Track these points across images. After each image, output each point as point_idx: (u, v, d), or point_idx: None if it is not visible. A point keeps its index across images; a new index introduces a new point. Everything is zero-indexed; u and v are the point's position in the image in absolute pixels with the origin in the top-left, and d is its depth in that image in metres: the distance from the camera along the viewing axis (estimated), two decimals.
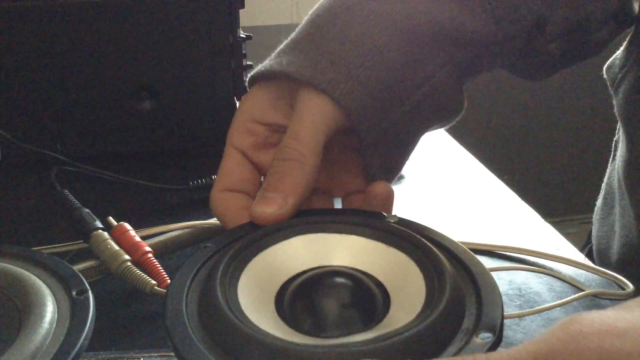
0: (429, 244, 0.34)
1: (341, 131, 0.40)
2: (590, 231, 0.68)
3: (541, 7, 0.43)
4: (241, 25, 0.68)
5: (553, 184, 2.09)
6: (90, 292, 0.33)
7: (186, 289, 0.31)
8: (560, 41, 0.46)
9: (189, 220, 0.52)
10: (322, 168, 0.40)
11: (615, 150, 0.63)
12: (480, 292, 0.31)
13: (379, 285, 0.33)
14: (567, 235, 0.56)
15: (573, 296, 0.45)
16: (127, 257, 0.45)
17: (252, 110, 0.42)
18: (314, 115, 0.39)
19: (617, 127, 0.61)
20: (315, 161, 0.38)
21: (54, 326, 0.31)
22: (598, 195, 0.67)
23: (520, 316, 0.44)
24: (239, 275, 0.33)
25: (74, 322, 0.31)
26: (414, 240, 0.34)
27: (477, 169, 0.69)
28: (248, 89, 0.43)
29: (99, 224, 0.48)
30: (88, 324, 0.31)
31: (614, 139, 0.63)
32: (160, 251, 0.48)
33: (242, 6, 0.66)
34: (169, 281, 0.44)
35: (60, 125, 0.66)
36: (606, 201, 0.64)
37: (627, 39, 0.56)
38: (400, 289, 0.33)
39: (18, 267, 0.35)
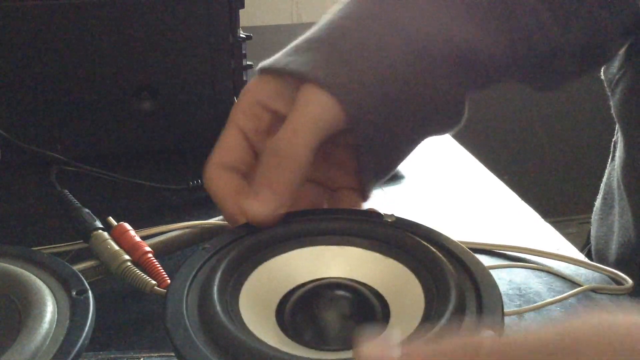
0: (427, 250, 0.34)
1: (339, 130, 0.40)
2: (590, 231, 0.68)
3: (557, 34, 0.43)
4: (241, 25, 0.68)
5: (553, 184, 2.09)
6: (90, 292, 0.33)
7: (186, 290, 0.31)
8: (576, 61, 0.46)
9: (189, 220, 0.52)
10: (316, 160, 0.40)
11: (614, 150, 0.63)
12: (481, 291, 0.31)
13: (378, 296, 0.34)
14: (566, 235, 0.56)
15: (571, 291, 0.45)
16: (127, 257, 0.45)
17: (259, 94, 0.42)
18: (317, 111, 0.38)
19: (616, 128, 0.62)
20: (310, 159, 0.38)
21: (54, 326, 0.31)
22: (597, 195, 0.67)
23: (518, 313, 0.44)
24: (240, 287, 0.33)
25: (74, 322, 0.31)
26: (412, 249, 0.34)
27: (477, 169, 0.69)
28: (257, 75, 0.43)
29: (98, 224, 0.48)
30: (88, 324, 0.31)
31: (613, 139, 0.63)
32: (160, 251, 0.48)
33: (242, 6, 0.66)
34: (169, 281, 0.44)
35: (60, 125, 0.66)
36: (605, 201, 0.64)
37: None
38: (398, 300, 0.33)
39: (18, 267, 0.35)
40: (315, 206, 0.43)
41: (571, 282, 0.48)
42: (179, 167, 0.69)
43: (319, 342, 0.31)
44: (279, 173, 0.38)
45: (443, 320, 0.28)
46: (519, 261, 0.51)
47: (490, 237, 0.54)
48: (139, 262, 0.45)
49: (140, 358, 0.40)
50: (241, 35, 0.67)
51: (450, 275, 0.31)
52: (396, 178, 0.64)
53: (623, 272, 0.48)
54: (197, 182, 0.61)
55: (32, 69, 0.64)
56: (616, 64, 0.57)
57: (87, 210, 0.49)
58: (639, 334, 0.21)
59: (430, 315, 0.30)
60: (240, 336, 0.28)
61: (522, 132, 2.02)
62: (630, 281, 0.47)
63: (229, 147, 0.42)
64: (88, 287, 0.33)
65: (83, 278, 0.34)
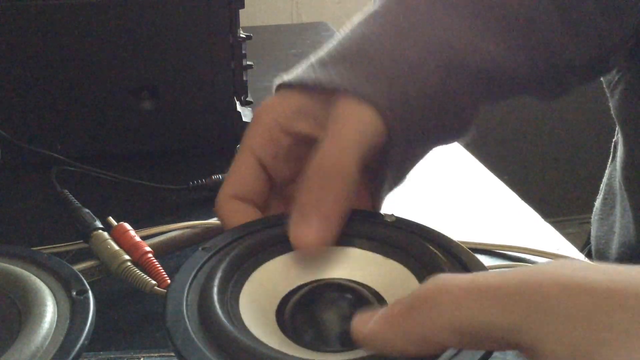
0: (427, 251, 0.34)
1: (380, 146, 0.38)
2: (590, 231, 0.68)
3: (571, 48, 0.43)
4: (241, 25, 0.68)
5: (553, 184, 2.09)
6: (90, 292, 0.33)
7: (186, 290, 0.31)
8: (584, 73, 0.46)
9: (189, 220, 0.52)
10: None
11: (615, 151, 0.63)
12: None
13: (378, 297, 0.34)
14: (567, 235, 0.56)
15: None
16: (127, 257, 0.45)
17: (279, 115, 0.39)
18: (362, 126, 0.36)
19: (616, 128, 0.62)
20: (358, 177, 0.35)
21: (54, 326, 0.31)
22: (597, 195, 0.67)
23: None
24: (241, 288, 0.33)
25: (74, 322, 0.31)
26: (412, 250, 0.35)
27: (477, 169, 0.69)
28: (274, 93, 0.40)
29: (99, 224, 0.48)
30: (88, 324, 0.31)
31: (613, 139, 0.63)
32: (160, 251, 0.48)
33: (242, 6, 0.66)
34: (168, 281, 0.44)
35: (60, 125, 0.66)
36: (606, 202, 0.64)
37: None
38: None
39: (18, 267, 0.35)
40: None
41: None
42: (179, 167, 0.69)
43: (319, 343, 0.31)
44: (329, 194, 0.34)
45: None
46: (519, 261, 0.51)
47: (490, 237, 0.54)
48: (139, 262, 0.45)
49: (140, 358, 0.40)
50: (241, 35, 0.67)
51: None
52: None
53: None
54: (197, 182, 0.61)
55: (32, 69, 0.64)
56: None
57: (87, 210, 0.49)
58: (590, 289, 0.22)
59: None
60: (240, 337, 0.28)
61: (522, 132, 2.02)
62: None
63: (243, 176, 0.39)
64: (88, 287, 0.33)
65: (83, 278, 0.34)
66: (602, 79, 0.59)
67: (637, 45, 0.47)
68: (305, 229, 0.34)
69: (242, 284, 0.33)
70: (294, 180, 0.40)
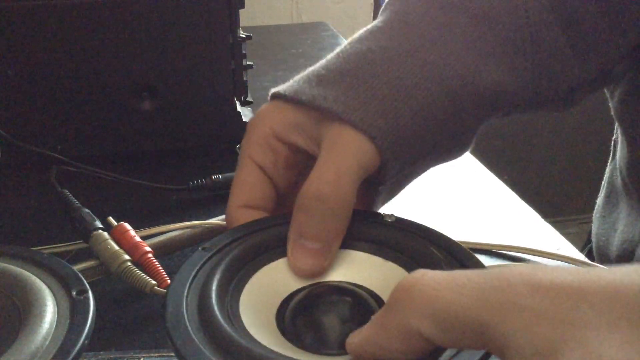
0: (427, 251, 0.34)
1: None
2: (591, 230, 0.68)
3: (576, 69, 0.43)
4: (241, 25, 0.68)
5: (553, 184, 2.09)
6: (90, 292, 0.33)
7: (186, 290, 0.31)
8: (588, 88, 0.45)
9: (189, 220, 0.52)
10: None
11: (615, 150, 0.63)
12: None
13: (378, 299, 0.34)
14: (567, 235, 0.56)
15: None
16: (127, 257, 0.45)
17: (275, 125, 0.39)
18: (358, 154, 0.36)
19: (615, 127, 0.62)
20: (353, 203, 0.36)
21: (54, 326, 0.31)
22: (598, 194, 0.67)
23: None
24: (241, 289, 0.33)
25: (74, 322, 0.31)
26: (411, 250, 0.35)
27: (477, 169, 0.69)
28: (269, 101, 0.41)
29: (98, 224, 0.48)
30: (88, 324, 0.31)
31: (613, 138, 0.63)
32: (160, 251, 0.48)
33: (242, 6, 0.66)
34: (169, 281, 0.44)
35: (60, 125, 0.66)
36: (609, 200, 0.64)
37: None
38: None
39: (18, 267, 0.35)
40: None
41: None
42: (179, 167, 0.69)
43: (319, 345, 0.31)
44: (328, 221, 0.35)
45: None
46: (519, 261, 0.51)
47: (490, 237, 0.54)
48: (139, 262, 0.45)
49: (140, 358, 0.40)
50: (241, 35, 0.67)
51: None
52: None
53: None
54: (197, 182, 0.61)
55: (32, 69, 0.64)
56: None
57: (87, 210, 0.49)
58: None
59: None
60: (239, 338, 0.28)
61: (522, 132, 2.02)
62: None
63: (248, 185, 0.39)
64: (88, 287, 0.33)
65: (83, 278, 0.34)
66: None
67: (637, 47, 0.47)
68: (307, 258, 0.35)
69: (243, 286, 0.33)
70: (296, 188, 0.41)
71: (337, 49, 0.41)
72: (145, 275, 0.43)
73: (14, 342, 0.30)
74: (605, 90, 0.58)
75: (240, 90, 0.69)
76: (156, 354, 0.41)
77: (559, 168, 2.09)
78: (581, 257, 0.51)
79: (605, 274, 0.23)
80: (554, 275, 0.23)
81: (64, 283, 0.34)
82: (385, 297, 0.34)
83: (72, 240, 0.49)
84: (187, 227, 0.51)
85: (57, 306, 0.32)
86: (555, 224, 0.59)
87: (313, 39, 1.22)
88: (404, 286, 0.26)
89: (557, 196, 2.09)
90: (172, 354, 0.40)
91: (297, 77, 0.40)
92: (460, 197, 0.64)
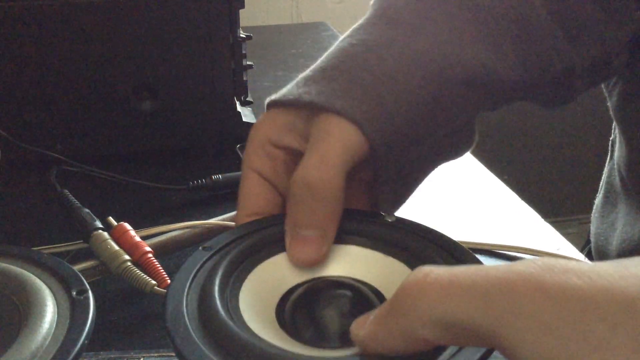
0: (427, 251, 0.34)
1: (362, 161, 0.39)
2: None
3: (571, 51, 0.43)
4: (241, 25, 0.68)
5: (553, 184, 2.09)
6: (90, 292, 0.33)
7: (186, 289, 0.31)
8: (586, 78, 0.45)
9: (189, 220, 0.52)
10: None
11: (612, 149, 0.63)
12: None
13: (378, 294, 0.34)
14: (567, 235, 0.56)
15: None
16: (127, 257, 0.45)
17: (269, 131, 0.40)
18: (342, 139, 0.36)
19: (613, 127, 0.62)
20: (343, 186, 0.36)
21: (54, 326, 0.31)
22: (597, 194, 0.67)
23: None
24: (241, 286, 0.33)
25: (74, 322, 0.31)
26: (412, 249, 0.35)
27: (477, 169, 0.69)
28: (266, 110, 0.41)
29: (99, 224, 0.48)
30: (88, 324, 0.31)
31: (610, 138, 0.63)
32: (160, 251, 0.48)
33: (242, 6, 0.66)
34: (169, 281, 0.44)
35: (60, 125, 0.66)
36: (607, 199, 0.64)
37: None
38: None
39: (18, 267, 0.35)
40: None
41: None
42: (179, 167, 0.69)
43: (319, 340, 0.31)
44: (318, 207, 0.35)
45: None
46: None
47: (490, 237, 0.54)
48: (139, 262, 0.45)
49: (140, 358, 0.40)
50: (241, 35, 0.67)
51: None
52: None
53: None
54: (197, 182, 0.61)
55: (32, 69, 0.64)
56: None
57: (87, 210, 0.49)
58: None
59: None
60: (241, 334, 0.28)
61: (522, 132, 2.02)
62: None
63: (252, 194, 0.40)
64: (88, 287, 0.33)
65: (83, 278, 0.34)
66: None
67: (635, 46, 0.47)
68: (304, 247, 0.35)
69: (242, 282, 0.33)
70: None
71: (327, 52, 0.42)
72: (145, 276, 0.43)
73: (14, 342, 0.30)
74: (604, 90, 0.58)
75: (240, 90, 0.69)
76: (156, 354, 0.41)
77: (559, 168, 2.09)
78: (581, 257, 0.51)
79: (618, 282, 0.22)
80: (564, 279, 0.22)
81: (64, 283, 0.34)
82: (385, 291, 0.34)
83: (72, 240, 0.49)
84: (187, 227, 0.51)
85: (57, 306, 0.32)
86: (555, 224, 0.59)
87: (313, 39, 1.22)
88: (408, 287, 0.25)
89: (557, 196, 2.09)
90: (172, 354, 0.40)
91: (289, 84, 0.41)
92: (460, 197, 0.64)
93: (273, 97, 0.40)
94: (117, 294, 0.47)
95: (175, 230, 0.50)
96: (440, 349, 0.27)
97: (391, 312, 0.26)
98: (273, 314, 0.33)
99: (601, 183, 0.66)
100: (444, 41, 0.40)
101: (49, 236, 0.52)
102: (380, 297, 0.33)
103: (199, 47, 0.65)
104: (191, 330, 0.29)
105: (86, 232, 0.47)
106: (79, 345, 0.30)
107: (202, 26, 0.65)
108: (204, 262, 0.34)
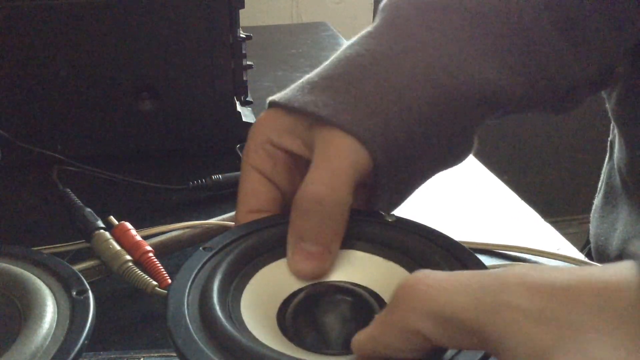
0: (428, 251, 0.34)
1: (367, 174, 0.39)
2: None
3: (574, 66, 0.43)
4: (241, 25, 0.68)
5: (553, 184, 2.09)
6: (90, 292, 0.33)
7: (187, 290, 0.31)
8: (590, 87, 0.45)
9: (189, 220, 0.52)
10: None
11: (612, 149, 0.63)
12: None
13: (379, 299, 0.34)
14: (567, 235, 0.56)
15: None
16: (128, 257, 0.45)
17: (269, 133, 0.40)
18: (351, 156, 0.37)
19: (611, 127, 0.62)
20: (350, 205, 0.36)
21: (54, 326, 0.31)
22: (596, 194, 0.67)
23: None
24: (243, 289, 0.33)
25: (74, 322, 0.31)
26: (412, 250, 0.35)
27: (477, 169, 0.69)
28: (267, 108, 0.41)
29: (100, 223, 0.48)
30: (88, 324, 0.31)
31: (609, 138, 0.63)
32: (161, 251, 0.48)
33: (242, 6, 0.66)
34: (169, 281, 0.44)
35: (60, 125, 0.66)
36: (608, 200, 0.64)
37: None
38: None
39: (18, 267, 0.35)
40: None
41: None
42: (179, 167, 0.69)
43: (320, 345, 0.31)
44: (326, 223, 0.35)
45: None
46: (519, 261, 0.51)
47: (490, 237, 0.54)
48: (140, 261, 0.45)
49: (140, 358, 0.40)
50: (241, 35, 0.67)
51: None
52: None
53: None
54: (197, 182, 0.61)
55: (33, 69, 0.64)
56: None
57: (89, 209, 0.49)
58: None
59: None
60: (241, 337, 0.28)
61: (522, 132, 2.02)
62: None
63: (252, 191, 0.40)
64: (88, 287, 0.33)
65: (83, 278, 0.34)
66: None
67: (635, 50, 0.47)
68: (307, 261, 0.35)
69: (244, 286, 0.33)
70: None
71: (333, 56, 0.42)
72: (146, 276, 0.43)
73: (14, 342, 0.30)
74: (603, 92, 0.58)
75: (240, 90, 0.69)
76: (156, 354, 0.41)
77: (559, 168, 2.09)
78: (581, 257, 0.51)
79: (599, 273, 0.23)
80: (548, 274, 0.24)
81: (64, 283, 0.34)
82: (385, 296, 0.34)
83: (72, 240, 0.49)
84: (187, 227, 0.51)
85: (57, 306, 0.32)
86: (555, 224, 0.59)
87: (313, 39, 1.22)
88: (406, 286, 0.26)
89: (557, 196, 2.09)
90: (172, 354, 0.40)
91: (293, 85, 0.41)
92: (460, 197, 0.64)
93: (276, 98, 0.40)
94: (117, 294, 0.47)
95: (175, 230, 0.51)
96: (438, 354, 0.27)
97: (389, 311, 0.27)
98: (274, 319, 0.33)
99: (600, 183, 0.66)
100: (451, 56, 0.39)
101: (49, 236, 0.52)
102: (381, 302, 0.33)
103: (199, 47, 0.65)
104: (192, 331, 0.29)
105: (88, 232, 0.47)
106: (79, 345, 0.30)
107: (202, 26, 0.65)
108: (205, 263, 0.34)
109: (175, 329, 0.29)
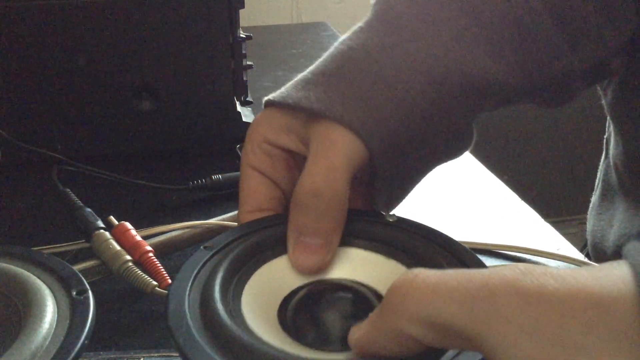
0: (429, 251, 0.34)
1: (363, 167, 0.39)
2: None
3: (569, 57, 0.43)
4: (241, 25, 0.68)
5: (553, 184, 2.09)
6: (90, 292, 0.33)
7: (188, 289, 0.31)
8: (585, 79, 0.45)
9: (189, 220, 0.52)
10: None
11: (607, 147, 0.63)
12: None
13: (380, 297, 0.34)
14: (567, 235, 0.56)
15: None
16: (128, 257, 0.45)
17: (266, 131, 0.40)
18: (346, 148, 0.37)
19: (607, 125, 0.62)
20: (347, 197, 0.36)
21: (54, 326, 0.31)
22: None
23: None
24: (243, 287, 0.33)
25: (74, 322, 0.31)
26: (413, 250, 0.35)
27: (477, 169, 0.69)
28: (264, 108, 0.41)
29: (100, 223, 0.48)
30: (88, 324, 0.31)
31: (605, 136, 0.63)
32: (161, 251, 0.48)
33: (242, 6, 0.66)
34: (169, 280, 0.44)
35: (60, 125, 0.66)
36: (605, 197, 0.64)
37: None
38: None
39: (18, 267, 0.35)
40: None
41: None
42: (179, 167, 0.69)
43: (321, 342, 0.31)
44: (325, 216, 0.35)
45: None
46: (519, 261, 0.51)
47: (490, 237, 0.54)
48: (140, 261, 0.45)
49: (140, 358, 0.40)
50: (241, 35, 0.67)
51: None
52: None
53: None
54: (197, 182, 0.61)
55: (32, 69, 0.64)
56: None
57: (89, 209, 0.49)
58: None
59: None
60: (242, 335, 0.28)
61: (522, 132, 2.02)
62: None
63: (253, 191, 0.40)
64: (88, 287, 0.33)
65: (83, 278, 0.34)
66: None
67: (631, 44, 0.47)
68: (308, 255, 0.35)
69: (245, 283, 0.33)
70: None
71: (326, 52, 0.42)
72: (146, 276, 0.43)
73: (14, 342, 0.30)
74: (598, 88, 0.58)
75: (240, 90, 0.69)
76: (156, 354, 0.41)
77: (559, 168, 2.09)
78: (581, 257, 0.51)
79: (592, 283, 0.23)
80: (541, 282, 0.23)
81: (64, 283, 0.34)
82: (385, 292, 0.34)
83: (72, 240, 0.49)
84: (187, 227, 0.51)
85: (57, 306, 0.32)
86: (555, 224, 0.59)
87: (313, 39, 1.22)
88: (397, 288, 0.26)
89: (557, 196, 2.09)
90: (173, 354, 0.40)
91: (288, 84, 0.41)
92: (460, 197, 0.64)
93: (271, 97, 0.40)
94: (117, 294, 0.47)
95: (175, 230, 0.50)
96: (439, 354, 0.27)
97: (381, 313, 0.27)
98: (275, 316, 0.33)
99: (597, 181, 0.66)
100: (444, 47, 0.39)
101: (49, 236, 0.52)
102: (382, 300, 0.33)
103: (199, 47, 0.65)
104: (193, 330, 0.29)
105: (88, 232, 0.47)
106: (79, 345, 0.30)
107: (202, 26, 0.65)
108: (206, 262, 0.34)
109: (177, 327, 0.29)
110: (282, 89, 0.40)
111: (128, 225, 0.47)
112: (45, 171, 0.59)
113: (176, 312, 0.30)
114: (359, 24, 0.43)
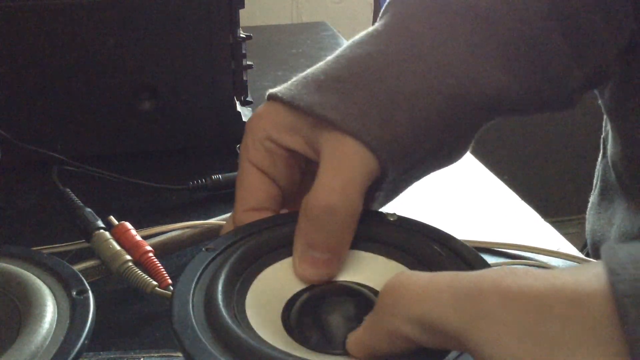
0: (430, 250, 0.34)
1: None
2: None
3: (577, 71, 0.43)
4: (241, 25, 0.68)
5: (553, 184, 2.09)
6: (90, 292, 0.33)
7: (192, 291, 0.31)
8: (585, 86, 0.45)
9: (189, 220, 0.52)
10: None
11: (605, 146, 0.63)
12: None
13: None
14: (567, 235, 0.56)
15: None
16: (128, 257, 0.45)
17: (269, 129, 0.39)
18: (361, 163, 0.36)
19: (604, 124, 0.62)
20: (360, 213, 0.36)
21: (54, 326, 0.31)
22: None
23: None
24: (247, 289, 0.33)
25: (74, 322, 0.31)
26: (415, 249, 0.35)
27: (477, 169, 0.69)
28: (266, 101, 0.40)
29: (100, 223, 0.48)
30: (88, 324, 0.31)
31: (602, 136, 0.63)
32: (161, 251, 0.48)
33: (242, 6, 0.66)
34: (169, 281, 0.44)
35: (60, 125, 0.66)
36: (604, 196, 0.64)
37: None
38: None
39: (18, 267, 0.35)
40: None
41: None
42: (179, 167, 0.69)
43: (325, 345, 0.31)
44: (338, 232, 0.35)
45: None
46: (519, 259, 0.51)
47: (490, 237, 0.54)
48: (140, 260, 0.45)
49: (140, 358, 0.40)
50: (241, 35, 0.67)
51: None
52: None
53: None
54: (197, 182, 0.61)
55: (33, 69, 0.64)
56: None
57: (89, 209, 0.49)
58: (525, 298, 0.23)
59: None
60: (247, 338, 0.28)
61: (522, 132, 2.02)
62: None
63: (250, 188, 0.39)
64: (88, 287, 0.33)
65: (83, 278, 0.34)
66: None
67: (628, 45, 0.47)
68: (315, 268, 0.35)
69: (248, 286, 0.33)
70: (300, 186, 0.41)
71: (337, 52, 0.41)
72: (146, 276, 0.43)
73: (14, 342, 0.30)
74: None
75: (240, 90, 0.69)
76: (156, 354, 0.41)
77: (558, 168, 2.09)
78: (581, 256, 0.51)
79: (572, 281, 0.23)
80: (523, 280, 0.24)
81: (64, 283, 0.34)
82: None
83: (72, 240, 0.49)
84: (187, 227, 0.51)
85: (57, 306, 0.32)
86: (555, 224, 0.59)
87: (313, 39, 1.22)
88: (389, 290, 0.27)
89: (557, 196, 2.09)
90: (173, 354, 0.40)
91: (295, 80, 0.40)
92: (460, 197, 0.64)
93: (277, 91, 0.39)
94: (117, 294, 0.47)
95: (175, 230, 0.50)
96: (441, 355, 0.27)
97: (375, 315, 0.27)
98: (279, 319, 0.33)
99: (595, 180, 0.66)
100: (462, 62, 0.39)
101: (49, 236, 0.52)
102: None
103: (199, 47, 0.65)
104: (198, 332, 0.29)
105: (88, 232, 0.47)
106: (79, 345, 0.30)
107: (202, 26, 0.65)
108: (208, 264, 0.34)
109: (182, 330, 0.29)
110: (289, 85, 0.39)
111: (128, 225, 0.47)
112: (45, 171, 0.59)
113: (181, 314, 0.30)
114: (376, 26, 0.42)
